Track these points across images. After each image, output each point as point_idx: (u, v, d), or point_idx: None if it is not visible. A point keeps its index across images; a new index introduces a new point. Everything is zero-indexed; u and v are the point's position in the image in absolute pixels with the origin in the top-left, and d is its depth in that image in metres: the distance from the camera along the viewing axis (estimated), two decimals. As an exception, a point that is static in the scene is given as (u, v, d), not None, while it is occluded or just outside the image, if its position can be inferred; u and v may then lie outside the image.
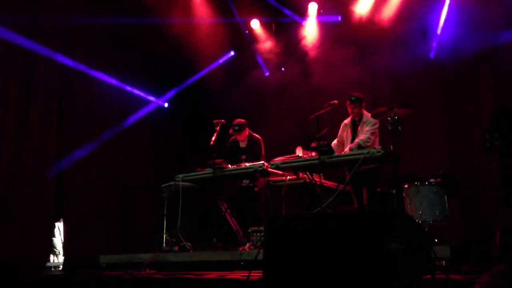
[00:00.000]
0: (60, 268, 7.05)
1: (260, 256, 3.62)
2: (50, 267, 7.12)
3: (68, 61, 7.32)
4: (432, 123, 7.34)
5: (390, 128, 4.96)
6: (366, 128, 5.93)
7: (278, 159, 5.73)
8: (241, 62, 9.25)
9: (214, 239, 6.06)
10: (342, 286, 3.11)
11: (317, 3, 8.53)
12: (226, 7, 8.76)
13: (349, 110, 6.11)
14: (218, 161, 6.06)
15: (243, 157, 6.54)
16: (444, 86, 7.40)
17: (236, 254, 5.27)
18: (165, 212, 6.33)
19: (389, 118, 5.00)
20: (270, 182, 6.26)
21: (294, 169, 5.76)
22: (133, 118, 8.42)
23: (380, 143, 5.89)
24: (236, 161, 6.42)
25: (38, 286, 5.12)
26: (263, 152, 6.60)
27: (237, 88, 8.83)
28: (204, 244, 6.12)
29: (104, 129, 7.80)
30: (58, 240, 7.92)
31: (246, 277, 3.88)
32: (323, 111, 5.80)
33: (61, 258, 7.48)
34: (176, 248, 5.98)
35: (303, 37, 8.64)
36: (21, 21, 6.77)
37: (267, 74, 9.27)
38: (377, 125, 5.92)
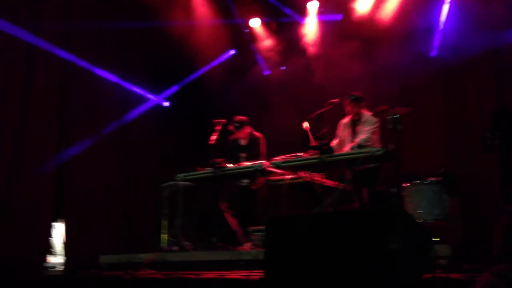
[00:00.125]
0: (58, 268, 7.04)
1: (261, 256, 3.62)
2: (48, 267, 7.11)
3: (69, 57, 7.29)
4: (433, 122, 7.34)
5: (390, 127, 4.95)
6: (367, 128, 5.93)
7: (278, 158, 5.73)
8: (241, 61, 9.24)
9: (214, 239, 6.05)
10: (343, 285, 3.10)
11: (318, 2, 8.52)
12: (226, 6, 8.75)
13: (348, 109, 6.10)
14: (218, 160, 6.05)
15: (243, 155, 6.53)
16: (445, 85, 7.40)
17: (236, 253, 5.27)
18: (165, 211, 6.32)
19: (389, 117, 4.99)
20: (271, 182, 6.26)
21: (294, 168, 5.75)
22: (133, 117, 8.39)
23: (380, 142, 5.89)
24: (237, 159, 6.41)
25: (38, 286, 5.12)
26: (264, 151, 6.58)
27: (237, 87, 8.83)
28: (204, 244, 6.12)
29: (105, 128, 7.78)
30: (56, 240, 7.91)
31: (246, 277, 3.88)
32: (323, 109, 5.80)
33: (58, 258, 7.47)
34: (176, 247, 5.97)
35: (304, 36, 8.63)
36: (22, 17, 6.75)
37: (267, 72, 9.27)
38: (377, 124, 5.91)
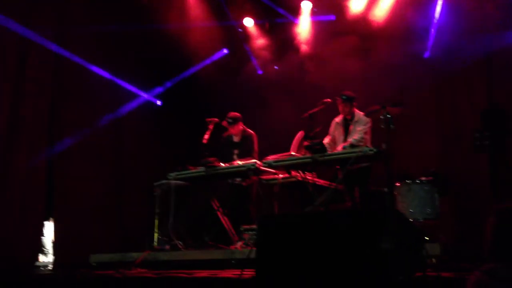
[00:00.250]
0: (50, 267, 7.00)
1: (253, 255, 3.61)
2: (39, 266, 7.07)
3: (62, 52, 7.25)
4: (425, 122, 7.38)
5: (382, 126, 4.96)
6: (359, 128, 5.95)
7: (270, 157, 5.73)
8: (234, 60, 9.24)
9: (206, 238, 6.04)
10: (335, 284, 3.11)
11: (311, 2, 8.53)
12: (219, 6, 8.74)
13: (340, 108, 6.13)
14: (211, 159, 6.05)
15: (236, 151, 6.53)
16: (437, 85, 7.44)
17: (228, 252, 5.26)
18: (157, 210, 6.30)
19: (382, 117, 5.01)
20: (263, 181, 6.26)
21: (287, 168, 5.76)
22: (126, 115, 8.35)
23: (372, 142, 5.91)
24: (229, 156, 6.41)
25: (28, 285, 5.08)
26: (256, 148, 6.59)
27: (230, 87, 8.82)
28: (196, 243, 6.11)
29: (97, 124, 7.74)
30: (47, 239, 7.86)
31: (238, 276, 3.87)
32: (316, 109, 5.81)
33: (50, 257, 7.42)
34: (168, 246, 5.95)
35: (297, 36, 8.65)
36: (15, 11, 6.71)
37: (260, 72, 9.27)
38: (369, 124, 5.94)
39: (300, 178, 5.81)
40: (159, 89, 9.12)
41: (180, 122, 9.21)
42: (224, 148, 6.68)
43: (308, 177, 5.78)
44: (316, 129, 5.67)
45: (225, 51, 9.43)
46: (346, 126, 6.11)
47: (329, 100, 5.89)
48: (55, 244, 7.16)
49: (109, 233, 7.62)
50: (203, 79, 8.96)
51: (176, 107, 9.25)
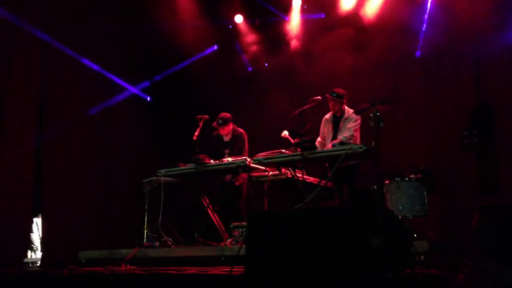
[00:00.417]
0: (38, 264, 6.95)
1: (243, 252, 3.62)
2: (28, 263, 7.02)
3: (51, 41, 7.16)
4: (414, 120, 7.43)
5: (372, 124, 4.98)
6: (349, 125, 5.98)
7: (260, 155, 5.73)
8: (224, 57, 9.21)
9: (196, 235, 6.04)
10: (324, 281, 3.12)
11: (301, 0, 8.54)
12: (209, 2, 8.72)
13: (330, 106, 6.15)
14: (201, 156, 6.04)
15: (226, 151, 6.53)
16: (426, 84, 7.49)
17: (218, 249, 5.26)
18: (146, 207, 6.28)
19: (371, 115, 5.03)
20: (253, 178, 6.26)
21: (277, 165, 5.77)
22: (115, 111, 8.29)
23: (362, 139, 5.94)
24: (220, 155, 6.41)
25: (16, 282, 5.03)
26: (247, 147, 6.59)
27: (220, 83, 8.80)
28: (185, 240, 6.10)
29: (86, 121, 7.69)
30: (36, 235, 7.80)
31: (227, 272, 3.88)
32: (306, 106, 5.82)
33: (38, 254, 7.37)
34: (157, 243, 5.94)
35: (287, 33, 8.65)
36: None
37: (250, 69, 9.27)
38: (359, 122, 5.97)
39: (289, 175, 5.82)
40: (147, 83, 9.07)
41: (170, 118, 9.18)
42: (214, 146, 6.67)
43: (298, 174, 5.80)
44: (305, 126, 5.69)
45: (216, 47, 9.41)
46: (336, 123, 6.14)
47: (319, 97, 5.91)
48: (44, 240, 7.11)
49: (98, 229, 7.57)
50: (193, 76, 8.93)
51: (166, 104, 9.22)
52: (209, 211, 6.28)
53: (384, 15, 7.65)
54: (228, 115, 6.64)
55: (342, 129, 6.02)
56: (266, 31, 8.92)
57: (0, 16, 6.54)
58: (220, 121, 6.53)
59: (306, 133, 5.67)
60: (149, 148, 8.73)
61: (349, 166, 5.63)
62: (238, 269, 3.82)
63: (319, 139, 6.22)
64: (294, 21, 8.68)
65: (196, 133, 6.36)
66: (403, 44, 7.50)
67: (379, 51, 7.35)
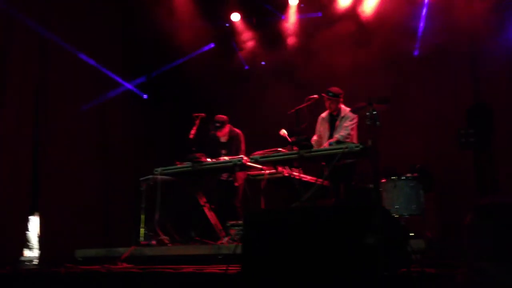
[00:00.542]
0: (35, 262, 6.94)
1: (239, 250, 3.62)
2: (24, 261, 7.00)
3: (48, 35, 7.14)
4: (411, 119, 7.43)
5: (368, 123, 4.99)
6: (346, 124, 5.98)
7: (257, 153, 5.73)
8: (221, 54, 9.20)
9: (192, 233, 6.03)
10: (321, 280, 3.13)
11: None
12: (206, 0, 8.70)
13: (326, 105, 6.15)
14: (197, 154, 6.03)
15: (224, 151, 6.53)
16: (424, 83, 7.50)
17: (214, 248, 5.27)
18: (143, 205, 6.27)
19: (368, 113, 5.03)
20: (250, 176, 6.26)
21: (273, 163, 5.77)
22: (112, 109, 8.28)
23: (358, 138, 5.95)
24: (217, 155, 6.40)
25: (13, 280, 5.03)
26: (244, 147, 6.59)
27: (217, 82, 8.79)
28: (182, 238, 6.10)
29: (82, 118, 7.67)
30: (33, 233, 7.78)
31: (224, 271, 3.88)
32: (303, 105, 5.82)
33: (35, 252, 7.36)
34: (154, 242, 5.94)
35: (284, 31, 8.65)
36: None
37: (246, 67, 9.26)
38: (355, 120, 5.96)
39: (286, 174, 5.83)
40: (143, 79, 9.05)
41: (167, 117, 9.17)
42: (211, 146, 6.66)
43: (294, 173, 5.81)
44: (302, 125, 5.69)
45: (212, 45, 9.40)
46: (332, 122, 6.13)
47: (316, 96, 5.91)
48: (41, 238, 7.09)
49: (95, 228, 7.57)
50: (190, 74, 8.91)
51: (163, 102, 9.21)
52: (206, 210, 6.27)
53: (382, 14, 7.65)
54: (224, 117, 6.64)
55: (339, 128, 6.02)
56: (263, 29, 8.91)
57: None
58: (218, 124, 6.53)
59: (303, 131, 5.67)
60: (146, 146, 8.73)
61: (345, 165, 5.63)
62: (234, 268, 3.82)
63: (314, 137, 6.21)
64: (291, 20, 8.67)
65: (193, 131, 6.35)
66: (401, 43, 7.50)
67: (377, 50, 7.35)
